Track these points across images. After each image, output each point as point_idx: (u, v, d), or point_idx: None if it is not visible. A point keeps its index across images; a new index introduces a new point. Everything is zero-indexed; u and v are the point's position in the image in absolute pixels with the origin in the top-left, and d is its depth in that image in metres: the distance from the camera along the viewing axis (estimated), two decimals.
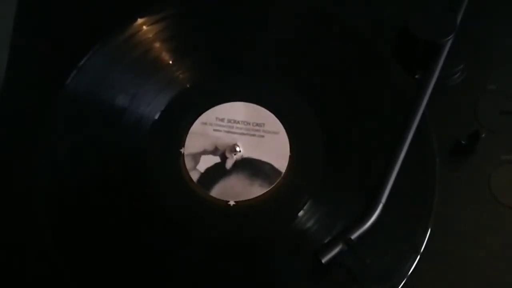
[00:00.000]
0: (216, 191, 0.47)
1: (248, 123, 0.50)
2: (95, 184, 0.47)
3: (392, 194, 0.45)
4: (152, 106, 0.50)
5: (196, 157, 0.49)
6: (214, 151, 0.49)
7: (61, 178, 0.47)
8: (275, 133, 0.49)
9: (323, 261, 0.43)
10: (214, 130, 0.50)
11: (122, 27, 0.52)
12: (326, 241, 0.44)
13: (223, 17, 0.54)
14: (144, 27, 0.53)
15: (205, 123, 0.50)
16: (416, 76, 0.51)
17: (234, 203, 0.47)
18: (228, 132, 0.50)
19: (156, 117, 0.50)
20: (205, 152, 0.49)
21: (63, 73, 0.50)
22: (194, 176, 0.48)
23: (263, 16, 0.54)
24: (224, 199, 0.47)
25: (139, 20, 0.53)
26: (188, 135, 0.49)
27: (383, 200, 0.45)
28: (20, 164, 0.48)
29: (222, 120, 0.50)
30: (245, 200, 0.47)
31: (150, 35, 0.52)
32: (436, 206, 0.46)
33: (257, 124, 0.50)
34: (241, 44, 0.53)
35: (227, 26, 0.54)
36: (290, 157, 0.48)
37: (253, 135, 0.49)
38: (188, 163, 0.48)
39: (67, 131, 0.49)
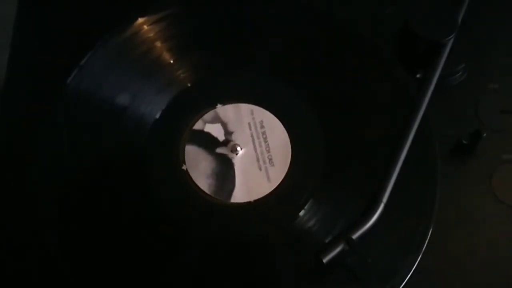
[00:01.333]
0: (189, 149, 0.48)
1: (268, 151, 0.49)
2: (96, 183, 0.47)
3: (393, 193, 0.45)
4: (153, 105, 0.50)
5: (216, 120, 0.50)
6: (227, 133, 0.49)
7: (62, 177, 0.47)
8: (269, 180, 0.48)
9: (324, 261, 0.43)
10: (249, 123, 0.50)
11: (123, 26, 0.52)
12: (327, 240, 0.44)
13: (224, 16, 0.54)
14: (145, 26, 0.52)
15: (252, 113, 0.50)
16: (418, 76, 0.51)
17: (185, 169, 0.48)
18: (252, 137, 0.49)
19: (157, 116, 0.50)
20: (223, 125, 0.49)
21: (64, 73, 0.49)
22: (197, 126, 0.49)
23: (264, 15, 0.54)
24: (184, 159, 0.48)
25: (140, 20, 0.53)
26: (236, 106, 0.50)
27: (384, 199, 0.45)
28: (21, 163, 0.47)
29: (262, 127, 0.50)
30: (190, 176, 0.47)
31: (151, 35, 0.52)
32: (437, 205, 0.46)
33: (270, 158, 0.49)
34: (242, 43, 0.53)
35: (228, 25, 0.54)
36: (249, 203, 0.47)
37: (258, 160, 0.49)
38: (208, 116, 0.50)
39: (68, 130, 0.48)
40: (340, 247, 0.43)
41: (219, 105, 0.50)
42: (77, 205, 0.46)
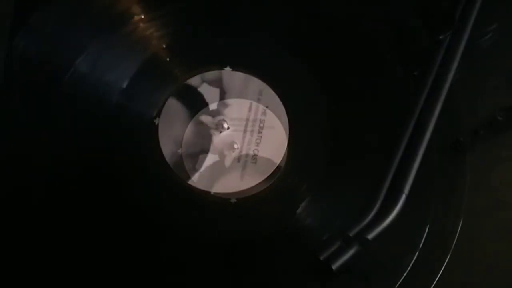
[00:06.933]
0: (172, 104, 0.46)
1: (258, 144, 0.46)
2: (51, 170, 0.44)
3: (415, 183, 0.43)
4: (119, 72, 0.47)
5: (217, 83, 0.47)
6: (222, 104, 0.46)
7: (12, 163, 0.44)
8: (243, 175, 0.45)
9: (334, 267, 0.40)
10: (251, 103, 0.46)
11: None
12: (331, 241, 0.41)
13: None
14: None
15: (260, 93, 0.46)
16: (440, 37, 0.47)
17: (156, 123, 0.45)
18: (247, 120, 0.46)
19: (124, 85, 0.46)
20: (222, 93, 0.46)
21: (9, 33, 0.47)
22: (193, 81, 0.47)
23: None
24: (161, 112, 0.46)
25: None
26: (247, 77, 0.47)
27: (406, 190, 0.42)
28: None
29: (264, 113, 0.46)
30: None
31: None
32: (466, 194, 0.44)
33: (255, 154, 0.45)
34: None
35: None
36: (244, 196, 0.45)
37: (242, 149, 0.45)
38: (209, 76, 0.47)
39: (14, 104, 0.45)
40: (353, 250, 0.40)
41: (227, 68, 0.47)
42: (35, 198, 0.44)
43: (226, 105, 0.47)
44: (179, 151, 0.46)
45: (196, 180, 0.45)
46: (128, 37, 0.48)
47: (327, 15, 0.50)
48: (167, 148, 0.46)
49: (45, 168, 0.45)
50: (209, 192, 0.45)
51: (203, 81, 0.47)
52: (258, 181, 0.45)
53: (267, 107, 0.46)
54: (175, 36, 0.48)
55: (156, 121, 0.45)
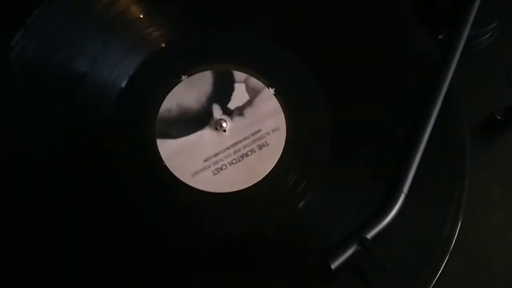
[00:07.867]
0: (205, 75, 0.46)
1: (242, 158, 0.45)
2: (49, 170, 0.43)
3: (414, 182, 0.42)
4: (118, 71, 0.46)
5: (253, 93, 0.46)
6: (239, 110, 0.46)
7: (12, 162, 0.43)
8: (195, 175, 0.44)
9: (333, 267, 0.39)
10: (260, 130, 0.45)
11: None
12: (335, 241, 0.41)
13: None
14: None
15: (276, 128, 0.46)
16: (440, 37, 0.48)
17: (183, 79, 0.46)
18: (244, 139, 0.45)
19: (124, 84, 0.46)
20: (248, 103, 0.46)
21: (6, 33, 0.46)
22: (237, 75, 0.47)
23: None
24: (191, 73, 0.46)
25: None
26: (277, 108, 0.46)
27: (405, 189, 0.41)
28: None
29: (263, 146, 0.45)
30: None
31: None
32: (466, 193, 0.43)
33: (225, 164, 0.45)
34: None
35: None
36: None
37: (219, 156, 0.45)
38: (254, 82, 0.46)
39: (14, 105, 0.45)
40: (352, 249, 0.39)
41: (271, 89, 0.46)
42: (28, 193, 0.42)
43: (240, 114, 0.46)
44: (173, 111, 0.45)
45: (163, 145, 0.44)
46: (127, 36, 0.47)
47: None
48: (168, 103, 0.45)
49: (45, 168, 0.43)
50: (162, 161, 0.44)
51: (244, 81, 0.46)
52: (203, 189, 0.44)
53: (268, 144, 0.45)
54: (175, 36, 0.48)
55: (183, 78, 0.46)
